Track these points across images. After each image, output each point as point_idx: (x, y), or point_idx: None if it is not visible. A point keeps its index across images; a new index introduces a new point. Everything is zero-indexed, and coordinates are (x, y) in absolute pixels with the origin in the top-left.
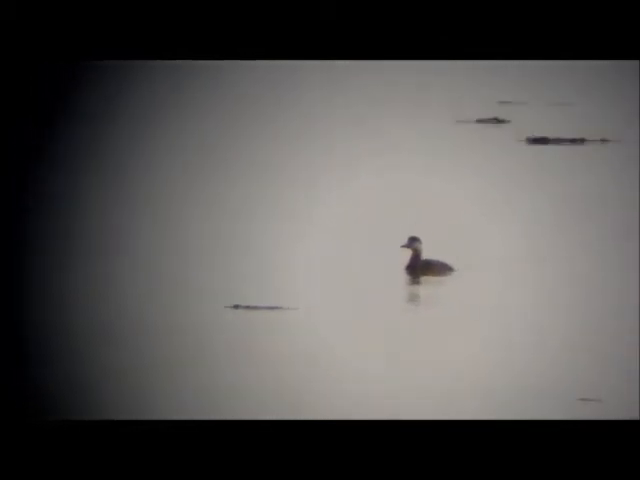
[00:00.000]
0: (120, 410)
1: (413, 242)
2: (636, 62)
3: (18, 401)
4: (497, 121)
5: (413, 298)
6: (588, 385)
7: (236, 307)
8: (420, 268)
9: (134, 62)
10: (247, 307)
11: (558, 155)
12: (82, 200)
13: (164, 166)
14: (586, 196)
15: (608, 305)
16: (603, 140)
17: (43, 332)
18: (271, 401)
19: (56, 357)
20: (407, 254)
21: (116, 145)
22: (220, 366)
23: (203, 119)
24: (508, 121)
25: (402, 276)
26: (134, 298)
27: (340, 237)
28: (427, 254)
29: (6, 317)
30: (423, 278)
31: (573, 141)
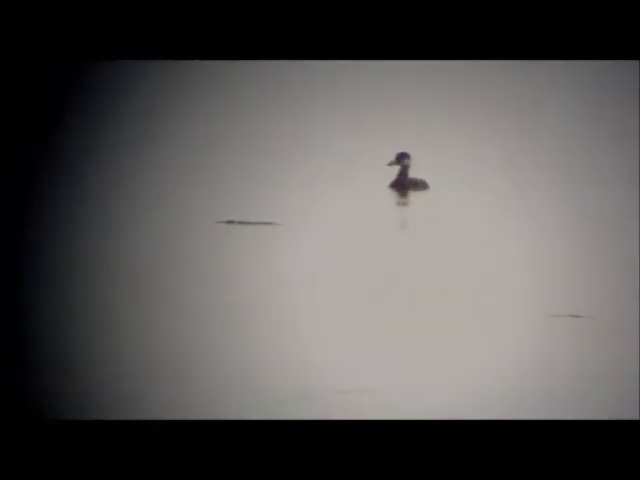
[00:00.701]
0: (120, 410)
1: (402, 158)
2: (636, 62)
3: (18, 401)
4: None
5: (402, 222)
6: (588, 385)
7: (229, 222)
8: (408, 185)
9: (134, 62)
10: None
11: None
12: (82, 200)
13: (165, 165)
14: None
15: (607, 302)
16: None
17: (43, 332)
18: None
19: (56, 357)
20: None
21: (117, 145)
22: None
23: (203, 119)
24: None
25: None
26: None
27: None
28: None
29: (6, 317)
30: (411, 197)
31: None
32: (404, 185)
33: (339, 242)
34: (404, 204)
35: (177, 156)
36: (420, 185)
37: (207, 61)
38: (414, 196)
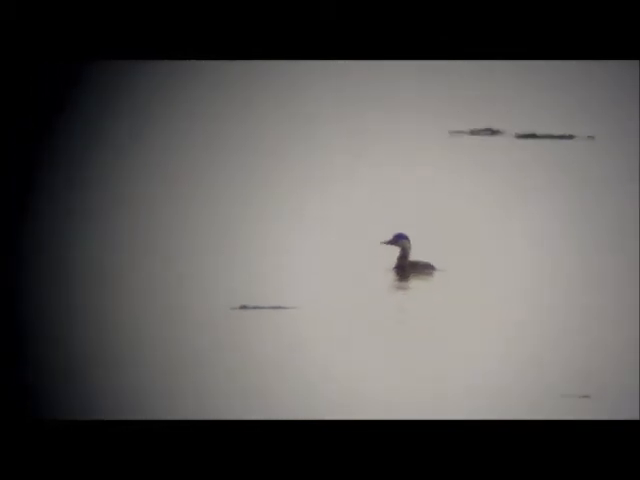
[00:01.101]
0: (120, 410)
1: (399, 240)
2: (636, 62)
3: (18, 401)
4: (491, 132)
5: (400, 308)
6: (588, 385)
7: (243, 308)
8: (408, 268)
9: (134, 62)
10: (254, 307)
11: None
12: (82, 199)
13: (164, 165)
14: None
15: (607, 304)
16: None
17: (44, 332)
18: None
19: (56, 357)
20: (394, 252)
21: (116, 145)
22: (221, 367)
23: (202, 119)
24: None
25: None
26: (139, 296)
27: (337, 235)
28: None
29: (6, 317)
30: (412, 278)
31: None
32: (404, 269)
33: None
34: (404, 289)
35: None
36: (423, 268)
37: (207, 61)
38: (415, 281)
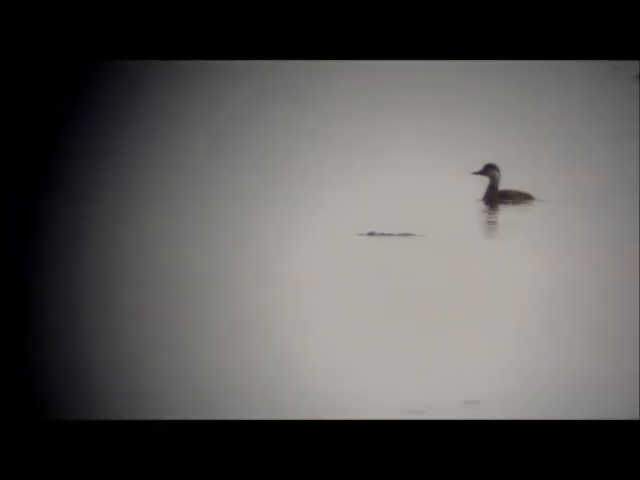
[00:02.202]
0: (122, 410)
1: (489, 169)
2: (636, 62)
3: (18, 401)
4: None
5: (490, 232)
6: (588, 385)
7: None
8: (497, 198)
9: (135, 62)
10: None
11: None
12: (83, 199)
13: (164, 166)
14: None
15: (608, 304)
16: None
17: (44, 332)
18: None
19: (57, 357)
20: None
21: (118, 144)
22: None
23: (203, 118)
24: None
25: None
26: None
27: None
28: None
29: (7, 317)
30: (501, 207)
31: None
32: (492, 199)
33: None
34: (493, 221)
35: (181, 156)
36: (513, 197)
37: (207, 61)
38: (506, 211)
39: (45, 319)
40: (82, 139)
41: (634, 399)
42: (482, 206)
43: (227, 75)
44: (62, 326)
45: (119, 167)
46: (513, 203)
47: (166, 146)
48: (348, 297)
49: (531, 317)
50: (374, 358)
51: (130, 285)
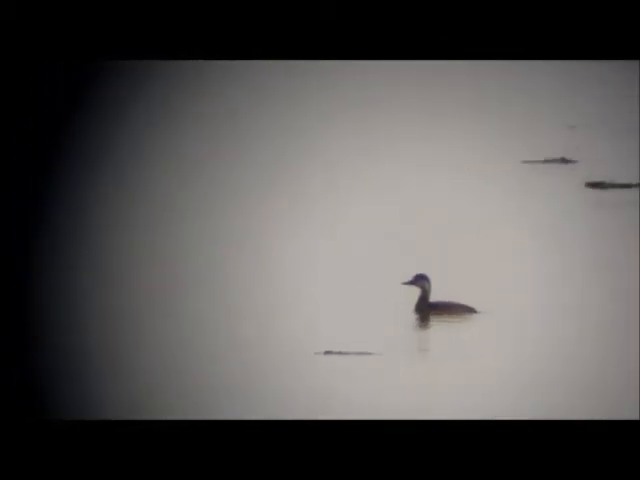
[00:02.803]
0: (123, 410)
1: (419, 280)
2: (636, 62)
3: (18, 401)
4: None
5: (422, 345)
6: (588, 385)
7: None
8: (428, 310)
9: (135, 62)
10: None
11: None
12: (83, 200)
13: (163, 165)
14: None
15: (608, 306)
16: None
17: (44, 332)
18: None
19: (57, 357)
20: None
21: (117, 144)
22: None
23: (201, 118)
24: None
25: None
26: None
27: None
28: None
29: (7, 317)
30: (435, 319)
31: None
32: (423, 310)
33: None
34: (425, 328)
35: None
36: (442, 309)
37: (206, 61)
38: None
39: (45, 319)
40: (82, 139)
41: (634, 399)
42: (414, 316)
43: (227, 75)
44: (62, 326)
45: (119, 166)
46: (449, 315)
47: (165, 145)
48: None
49: (531, 317)
50: (374, 359)
51: (130, 286)
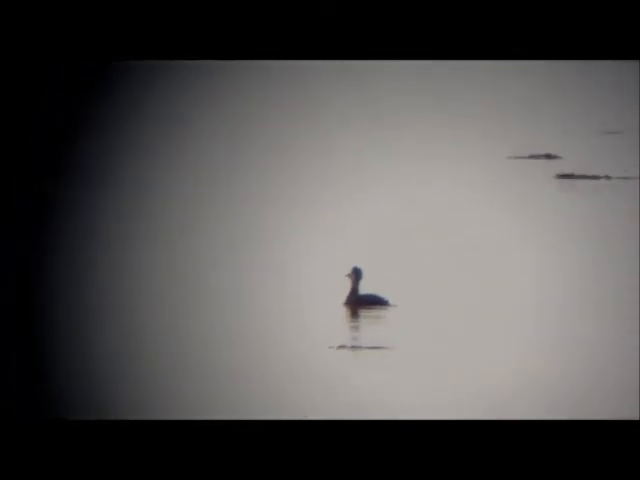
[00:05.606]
0: (124, 410)
1: (353, 272)
2: (636, 62)
3: (18, 401)
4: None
5: (353, 337)
6: (588, 385)
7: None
8: (355, 302)
9: (136, 62)
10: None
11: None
12: (84, 199)
13: (165, 164)
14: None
15: (607, 306)
16: None
17: (44, 332)
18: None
19: (57, 357)
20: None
21: (119, 144)
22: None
23: (202, 118)
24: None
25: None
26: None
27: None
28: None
29: (8, 317)
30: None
31: None
32: (350, 302)
33: None
34: (355, 319)
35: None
36: (371, 302)
37: (206, 61)
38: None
39: (46, 319)
40: (82, 139)
41: (634, 399)
42: (345, 310)
43: (228, 75)
44: (63, 326)
45: (121, 166)
46: (368, 308)
47: (168, 145)
48: None
49: (531, 318)
50: (374, 363)
51: (131, 286)
